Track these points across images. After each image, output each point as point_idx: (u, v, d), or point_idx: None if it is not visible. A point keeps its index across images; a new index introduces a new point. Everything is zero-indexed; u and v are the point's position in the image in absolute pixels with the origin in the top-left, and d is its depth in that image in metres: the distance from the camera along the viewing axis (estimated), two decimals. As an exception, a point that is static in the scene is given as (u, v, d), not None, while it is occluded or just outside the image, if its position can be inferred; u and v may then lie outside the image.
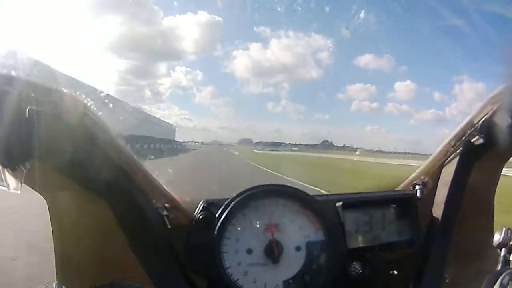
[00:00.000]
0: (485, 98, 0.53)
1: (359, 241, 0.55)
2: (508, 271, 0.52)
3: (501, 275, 0.52)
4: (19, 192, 0.44)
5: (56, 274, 0.50)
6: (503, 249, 0.60)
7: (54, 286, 0.49)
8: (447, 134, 0.57)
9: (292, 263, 0.52)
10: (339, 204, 0.56)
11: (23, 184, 0.44)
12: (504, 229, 0.63)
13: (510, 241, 0.60)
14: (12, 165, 0.43)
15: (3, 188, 0.44)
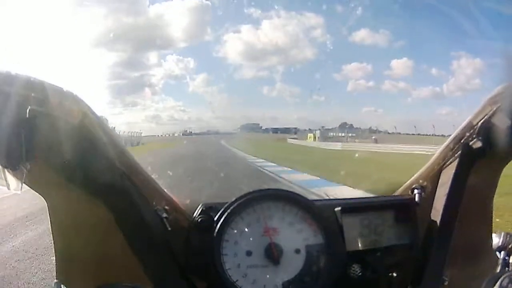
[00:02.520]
0: (481, 74, 0.52)
1: (358, 245, 0.56)
2: (507, 273, 0.52)
3: (500, 278, 0.52)
4: (19, 192, 0.45)
5: (56, 274, 0.50)
6: (502, 252, 0.60)
7: (54, 286, 0.49)
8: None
9: (292, 266, 0.52)
10: (337, 208, 0.56)
11: (23, 184, 0.44)
12: (503, 232, 0.63)
13: (509, 244, 0.60)
14: (13, 165, 0.43)
15: (3, 187, 0.44)
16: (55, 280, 0.50)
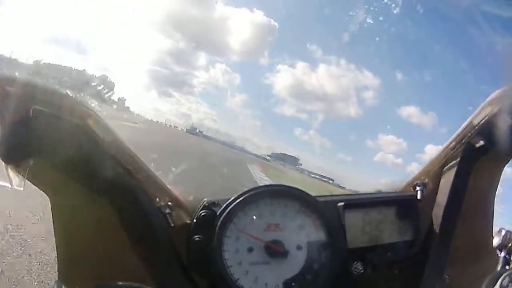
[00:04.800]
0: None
1: (360, 241, 0.56)
2: (508, 272, 0.53)
3: (501, 276, 0.52)
4: (22, 189, 0.45)
5: (58, 272, 0.50)
6: (502, 250, 0.60)
7: (54, 285, 0.49)
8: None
9: (293, 262, 0.52)
10: (340, 204, 0.56)
11: (26, 181, 0.44)
12: (503, 231, 0.63)
13: (509, 243, 0.61)
14: (16, 163, 0.43)
15: (6, 184, 0.44)
16: (56, 280, 0.50)
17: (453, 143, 0.57)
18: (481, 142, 0.54)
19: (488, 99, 0.55)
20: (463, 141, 0.56)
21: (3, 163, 0.43)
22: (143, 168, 0.51)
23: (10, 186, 0.44)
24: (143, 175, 0.50)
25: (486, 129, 0.53)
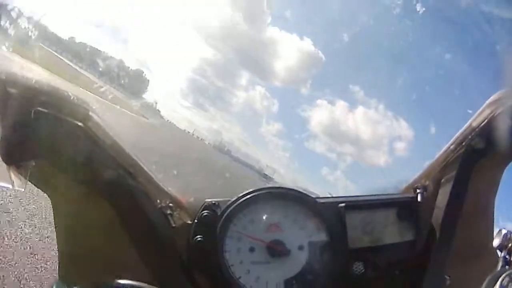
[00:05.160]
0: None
1: (361, 242, 0.56)
2: (508, 272, 0.53)
3: (501, 276, 0.52)
4: (23, 189, 0.45)
5: (59, 272, 0.50)
6: (502, 251, 0.61)
7: (54, 285, 0.50)
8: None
9: (295, 262, 0.52)
10: (341, 205, 0.56)
11: (28, 182, 0.45)
12: (503, 231, 0.64)
13: (509, 243, 0.61)
14: (17, 164, 0.43)
15: (8, 185, 0.45)
16: (56, 280, 0.50)
17: (453, 145, 0.57)
18: (482, 144, 0.54)
19: (488, 101, 0.55)
20: (463, 143, 0.56)
21: (5, 164, 0.44)
22: (144, 169, 0.51)
23: (11, 187, 0.45)
24: (144, 176, 0.51)
25: (486, 131, 0.54)
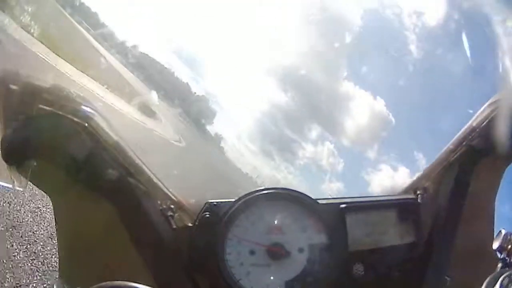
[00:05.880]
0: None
1: (362, 244, 0.56)
2: (508, 272, 0.53)
3: (501, 276, 0.52)
4: (24, 189, 0.45)
5: (60, 272, 0.50)
6: (502, 252, 0.61)
7: (54, 285, 0.50)
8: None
9: (295, 264, 0.52)
10: (341, 207, 0.56)
11: (28, 182, 0.45)
12: (503, 232, 0.64)
13: (509, 244, 0.61)
14: (18, 163, 0.43)
15: (9, 185, 0.44)
16: (57, 281, 0.50)
17: (454, 146, 0.57)
18: (481, 145, 0.54)
19: (489, 101, 0.55)
20: (464, 143, 0.56)
21: (5, 163, 0.44)
22: (145, 170, 0.51)
23: (12, 187, 0.45)
24: (145, 177, 0.51)
25: (487, 132, 0.54)
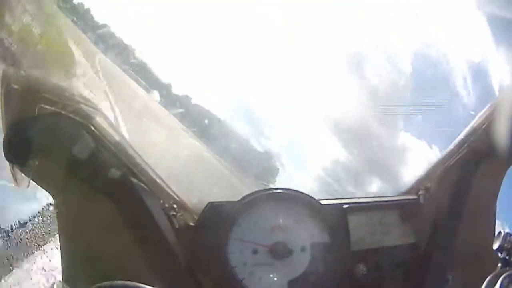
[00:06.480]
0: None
1: (364, 244, 0.56)
2: (508, 272, 0.53)
3: (501, 276, 0.53)
4: (26, 188, 0.45)
5: (62, 272, 0.50)
6: (502, 252, 0.61)
7: (53, 285, 0.49)
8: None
9: (297, 264, 0.53)
10: (344, 207, 0.57)
11: (31, 181, 0.44)
12: (502, 232, 0.64)
13: (509, 244, 0.62)
14: (21, 162, 0.43)
15: (11, 184, 0.44)
16: (59, 280, 0.50)
17: (456, 147, 0.57)
18: (483, 146, 0.54)
19: (491, 104, 0.56)
20: (465, 145, 0.56)
21: (8, 162, 0.43)
22: (148, 169, 0.51)
23: (15, 185, 0.44)
24: (148, 176, 0.50)
25: (488, 134, 0.54)
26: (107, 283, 0.48)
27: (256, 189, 0.56)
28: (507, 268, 0.58)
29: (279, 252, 0.52)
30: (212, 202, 0.54)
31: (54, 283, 0.50)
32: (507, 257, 0.60)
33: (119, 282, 0.49)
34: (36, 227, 1.42)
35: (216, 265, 0.50)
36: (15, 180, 0.44)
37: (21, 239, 1.30)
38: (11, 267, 1.10)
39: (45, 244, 1.37)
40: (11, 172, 0.44)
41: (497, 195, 0.59)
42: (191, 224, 0.53)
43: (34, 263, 1.20)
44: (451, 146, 0.58)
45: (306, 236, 0.54)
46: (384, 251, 0.56)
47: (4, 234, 1.27)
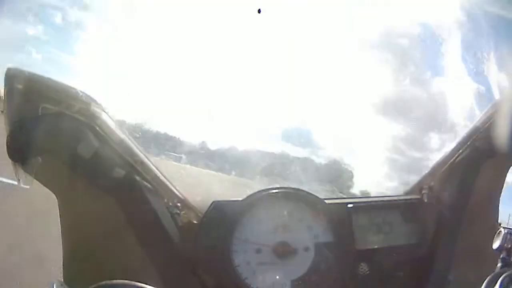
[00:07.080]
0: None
1: (367, 243, 0.56)
2: (508, 272, 0.54)
3: (501, 276, 0.53)
4: (29, 187, 0.45)
5: (63, 271, 0.50)
6: (502, 251, 0.62)
7: (54, 285, 0.49)
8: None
9: (301, 263, 0.53)
10: (348, 206, 0.57)
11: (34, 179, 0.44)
12: (503, 231, 0.64)
13: (509, 244, 0.62)
14: (24, 161, 0.43)
15: (14, 183, 0.44)
16: (58, 280, 0.50)
17: (459, 146, 0.58)
18: (486, 146, 0.54)
19: (493, 103, 0.56)
20: (468, 144, 0.56)
21: (11, 161, 0.43)
22: (151, 168, 0.51)
23: (17, 184, 0.44)
24: (151, 175, 0.50)
25: (491, 133, 0.54)
26: (106, 282, 0.48)
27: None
28: (507, 268, 0.59)
29: (283, 252, 0.52)
30: (217, 201, 0.54)
31: (54, 283, 0.49)
32: (507, 257, 0.60)
33: (119, 281, 0.49)
34: None
35: (219, 264, 0.50)
36: (18, 178, 0.44)
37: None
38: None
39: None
40: (14, 171, 0.43)
41: (500, 194, 0.59)
42: (195, 222, 0.53)
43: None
44: (454, 145, 0.58)
45: (310, 235, 0.54)
46: (388, 250, 0.57)
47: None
